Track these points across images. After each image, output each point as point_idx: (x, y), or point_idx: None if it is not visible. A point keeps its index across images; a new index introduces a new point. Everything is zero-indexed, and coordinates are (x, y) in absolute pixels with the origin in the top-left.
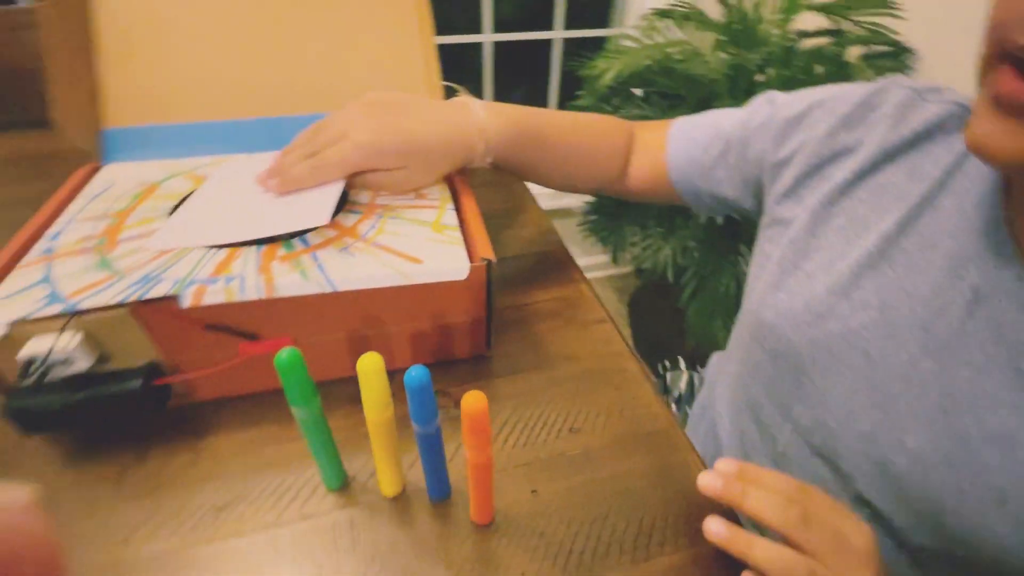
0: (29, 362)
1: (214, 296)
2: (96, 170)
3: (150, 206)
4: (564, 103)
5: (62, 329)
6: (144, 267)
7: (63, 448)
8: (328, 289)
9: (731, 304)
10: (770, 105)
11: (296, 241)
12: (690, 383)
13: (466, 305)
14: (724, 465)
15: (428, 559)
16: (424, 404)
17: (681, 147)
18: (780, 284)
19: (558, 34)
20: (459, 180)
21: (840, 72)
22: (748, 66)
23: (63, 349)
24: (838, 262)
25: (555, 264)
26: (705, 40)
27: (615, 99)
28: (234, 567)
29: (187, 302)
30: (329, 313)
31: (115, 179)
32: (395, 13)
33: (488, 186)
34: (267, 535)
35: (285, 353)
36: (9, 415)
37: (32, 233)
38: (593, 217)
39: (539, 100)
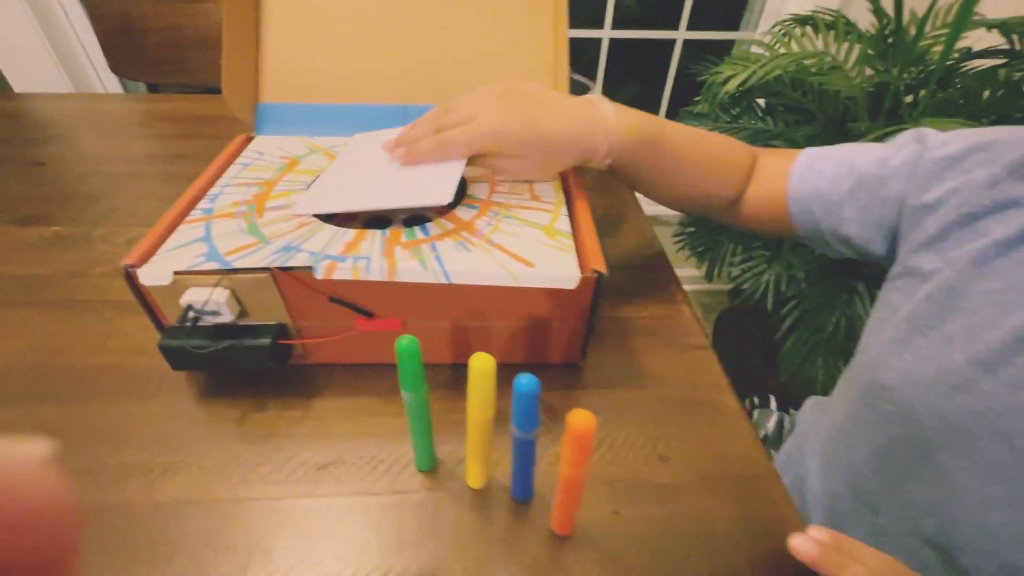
0: (187, 308)
1: (343, 272)
2: (250, 140)
3: (292, 179)
4: (676, 107)
5: (217, 284)
6: (285, 236)
7: (198, 386)
8: (443, 280)
9: (837, 345)
10: (918, 143)
11: (417, 230)
12: (779, 424)
13: (569, 314)
14: (819, 533)
15: (504, 556)
16: (528, 411)
17: (806, 178)
18: (908, 344)
19: (680, 34)
20: (574, 182)
21: (1013, 100)
22: (897, 85)
23: (214, 301)
24: (987, 331)
25: (657, 279)
26: (849, 54)
27: (735, 108)
28: (331, 523)
29: (319, 274)
30: (439, 302)
31: (265, 150)
32: (534, 7)
33: (594, 189)
34: (361, 501)
35: (406, 340)
36: (163, 350)
37: (196, 192)
38: (691, 229)
39: (650, 101)
